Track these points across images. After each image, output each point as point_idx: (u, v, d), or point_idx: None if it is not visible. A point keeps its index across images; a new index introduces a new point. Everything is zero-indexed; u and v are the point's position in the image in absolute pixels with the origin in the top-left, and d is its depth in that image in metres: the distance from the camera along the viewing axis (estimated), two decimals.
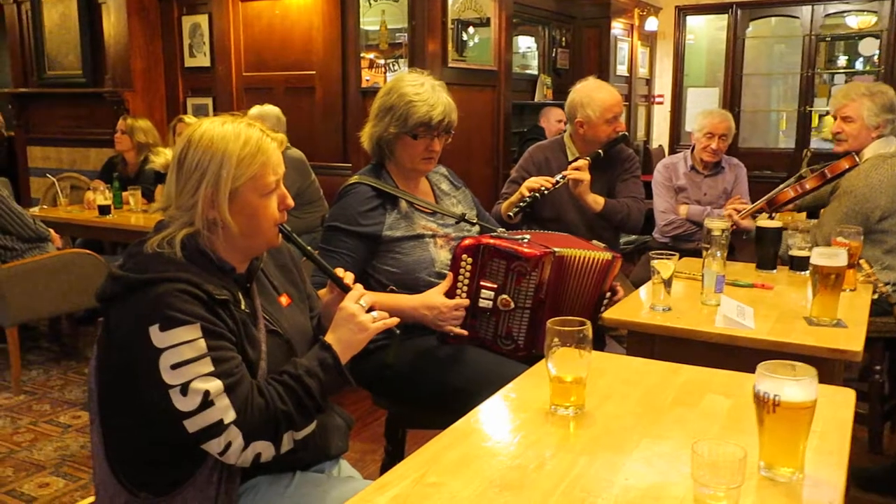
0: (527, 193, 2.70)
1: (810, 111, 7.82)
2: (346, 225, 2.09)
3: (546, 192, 2.68)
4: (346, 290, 1.55)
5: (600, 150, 2.94)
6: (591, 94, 2.98)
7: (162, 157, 4.50)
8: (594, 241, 2.29)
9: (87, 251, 3.91)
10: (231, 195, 1.38)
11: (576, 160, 2.96)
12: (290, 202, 1.48)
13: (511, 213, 2.67)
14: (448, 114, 2.11)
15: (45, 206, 4.90)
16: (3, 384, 3.80)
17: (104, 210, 4.34)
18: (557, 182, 2.74)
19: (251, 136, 1.41)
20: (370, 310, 1.50)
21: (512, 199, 2.81)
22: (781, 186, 3.01)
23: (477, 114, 5.29)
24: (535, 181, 2.74)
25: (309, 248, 1.61)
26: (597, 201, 2.90)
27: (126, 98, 5.89)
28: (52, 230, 4.04)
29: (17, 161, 6.72)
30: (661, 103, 8.85)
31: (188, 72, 6.08)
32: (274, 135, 1.45)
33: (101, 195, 4.38)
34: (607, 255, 2.14)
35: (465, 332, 1.99)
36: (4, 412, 3.47)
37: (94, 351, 1.46)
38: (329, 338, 1.48)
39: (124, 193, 4.55)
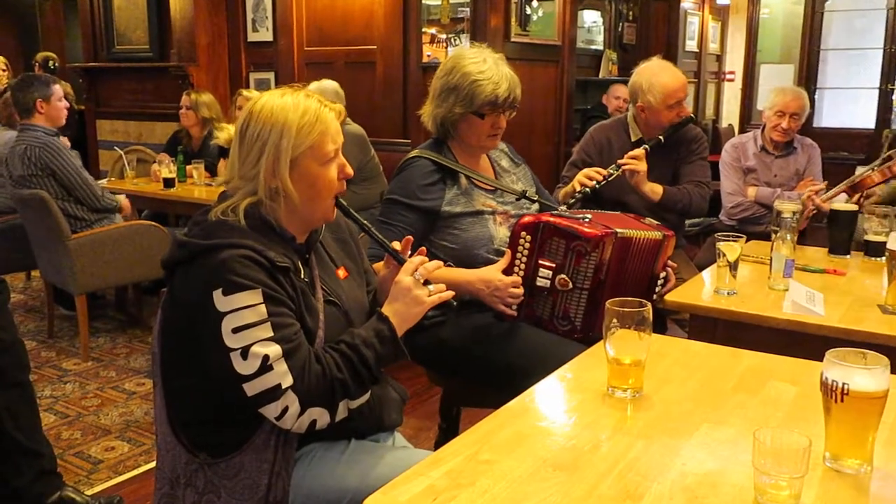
0: (578, 188, 2.65)
1: (892, 90, 7.49)
2: (405, 198, 2.10)
3: (598, 186, 2.62)
4: (402, 262, 1.57)
5: (661, 137, 2.86)
6: (653, 78, 2.88)
7: (225, 132, 4.60)
8: (647, 219, 2.25)
9: (153, 223, 4.03)
10: (291, 164, 1.42)
11: (639, 142, 2.90)
12: (350, 171, 1.51)
13: (566, 206, 2.62)
14: (513, 89, 2.10)
15: (112, 179, 5.06)
16: (73, 350, 3.97)
17: (169, 183, 4.46)
18: (610, 174, 2.66)
19: (309, 106, 1.44)
20: (426, 283, 1.51)
21: (567, 188, 2.77)
22: (865, 170, 2.90)
23: (539, 90, 5.24)
24: (586, 174, 2.68)
25: (365, 220, 1.63)
26: (654, 191, 2.81)
27: (190, 72, 6.01)
28: (122, 197, 4.17)
29: (86, 134, 6.94)
30: (731, 80, 8.61)
31: (251, 46, 6.17)
32: (332, 105, 1.48)
33: (166, 168, 4.50)
34: (658, 235, 2.10)
35: (513, 314, 1.99)
36: (74, 377, 3.62)
37: (158, 316, 1.51)
38: (386, 310, 1.50)
39: (188, 167, 4.66)
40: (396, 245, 1.62)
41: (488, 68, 2.08)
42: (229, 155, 1.50)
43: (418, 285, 1.50)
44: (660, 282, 2.17)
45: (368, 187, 4.32)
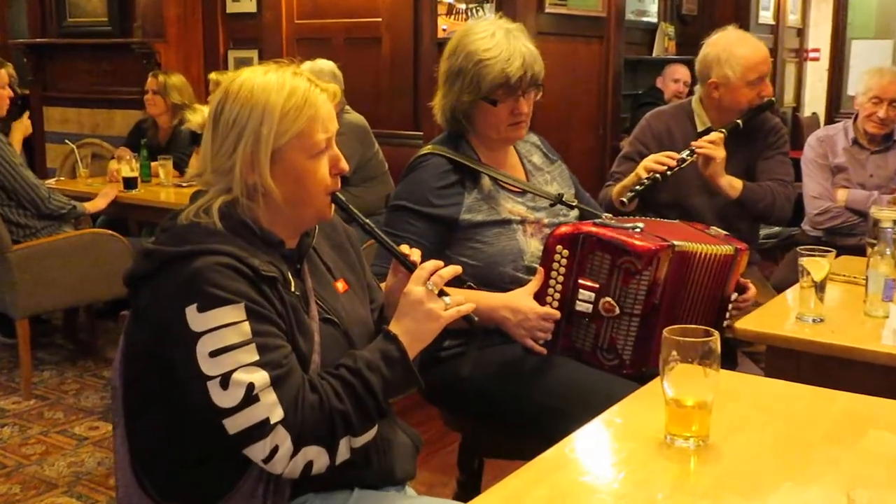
0: (644, 175, 2.64)
1: None
2: (416, 205, 2.10)
3: (669, 172, 2.62)
4: (411, 269, 1.57)
5: (739, 121, 2.86)
6: (732, 48, 2.90)
7: (199, 114, 4.63)
8: (712, 229, 2.25)
9: (110, 231, 4.06)
10: (273, 156, 1.43)
11: (707, 132, 2.89)
12: (344, 166, 1.52)
13: (625, 199, 2.61)
14: (529, 66, 2.09)
15: (61, 178, 5.10)
16: (12, 386, 3.99)
17: (130, 183, 4.48)
18: (683, 160, 2.67)
19: (297, 86, 1.45)
20: (441, 294, 1.51)
21: (625, 181, 2.76)
22: None
23: (579, 71, 5.24)
24: (654, 160, 2.68)
25: (369, 221, 1.64)
26: (733, 185, 2.81)
27: (157, 50, 6.07)
28: (88, 204, 4.18)
29: (32, 124, 7.01)
30: (816, 59, 8.58)
31: (230, 19, 6.23)
32: (325, 85, 1.49)
33: (126, 165, 4.52)
34: (728, 249, 2.09)
35: (542, 350, 2.00)
36: (13, 419, 3.65)
37: (120, 343, 1.52)
38: (394, 327, 1.50)
39: (153, 164, 4.69)
40: (405, 249, 1.63)
41: (496, 44, 2.08)
42: (201, 143, 1.51)
43: (432, 297, 1.50)
44: (731, 305, 2.16)
45: (370, 189, 4.34)
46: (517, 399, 2.03)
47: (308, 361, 1.44)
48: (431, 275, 1.52)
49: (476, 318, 1.60)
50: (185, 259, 1.36)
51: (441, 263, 1.56)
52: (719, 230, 2.24)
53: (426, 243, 2.08)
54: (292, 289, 1.46)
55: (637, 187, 2.60)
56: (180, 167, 4.70)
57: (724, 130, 2.80)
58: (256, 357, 1.33)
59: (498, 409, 2.08)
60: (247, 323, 1.34)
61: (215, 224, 1.41)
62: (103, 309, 4.57)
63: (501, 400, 2.05)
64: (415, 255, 1.62)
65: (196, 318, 1.32)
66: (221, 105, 1.46)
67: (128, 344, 1.49)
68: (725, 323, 2.14)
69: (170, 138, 4.97)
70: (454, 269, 1.56)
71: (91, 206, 4.21)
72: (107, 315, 4.60)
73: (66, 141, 5.38)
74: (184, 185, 4.48)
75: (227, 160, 1.44)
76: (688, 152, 2.71)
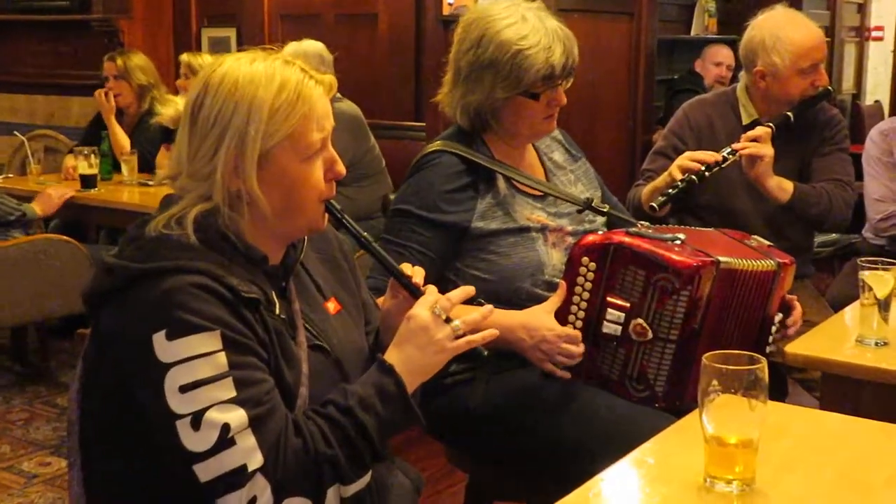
0: (679, 176, 2.64)
1: None
2: (423, 210, 2.11)
3: (708, 173, 2.61)
4: (416, 293, 1.57)
5: (790, 114, 2.86)
6: (780, 31, 2.90)
7: (171, 106, 4.62)
8: (753, 238, 2.24)
9: (65, 237, 4.06)
10: (261, 159, 1.43)
11: (753, 125, 2.89)
12: (341, 169, 1.52)
13: (655, 204, 2.61)
14: (570, 50, 2.11)
15: (10, 175, 5.12)
16: None
17: (88, 182, 4.50)
18: (725, 159, 2.66)
19: (289, 78, 1.45)
20: (448, 320, 1.51)
21: (657, 182, 2.76)
22: None
23: (606, 54, 5.24)
24: (691, 157, 2.67)
25: (366, 234, 1.64)
26: (782, 188, 2.81)
27: (121, 28, 6.10)
28: (35, 206, 4.18)
29: None
30: (879, 39, 8.59)
31: None
32: (320, 76, 1.50)
33: (84, 161, 4.53)
34: (770, 264, 2.09)
35: (565, 375, 2.00)
36: None
37: (77, 369, 1.52)
38: (391, 357, 1.50)
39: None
40: (407, 268, 1.63)
41: (532, 29, 2.08)
42: (175, 142, 1.51)
43: (439, 323, 1.50)
44: (774, 327, 2.16)
45: (365, 190, 4.34)
46: (533, 433, 2.03)
47: (295, 395, 1.44)
48: (439, 299, 1.52)
49: (486, 352, 1.59)
50: (153, 278, 1.36)
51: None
52: (762, 240, 2.24)
53: (433, 254, 2.09)
54: (277, 312, 1.46)
55: (670, 191, 2.59)
56: (147, 163, 4.69)
57: (771, 125, 2.80)
58: (233, 393, 1.33)
59: (510, 445, 2.08)
60: (223, 353, 1.34)
61: (188, 237, 1.41)
62: (57, 326, 4.57)
63: (515, 434, 2.05)
64: (417, 274, 1.62)
65: (165, 347, 1.32)
66: (201, 99, 1.45)
67: (86, 371, 1.50)
68: (768, 349, 2.14)
69: (135, 127, 4.93)
70: (465, 291, 1.56)
71: (41, 209, 4.21)
72: (61, 333, 4.60)
73: (16, 132, 5.39)
74: (150, 183, 4.49)
75: (208, 164, 1.43)
76: (729, 151, 2.70)
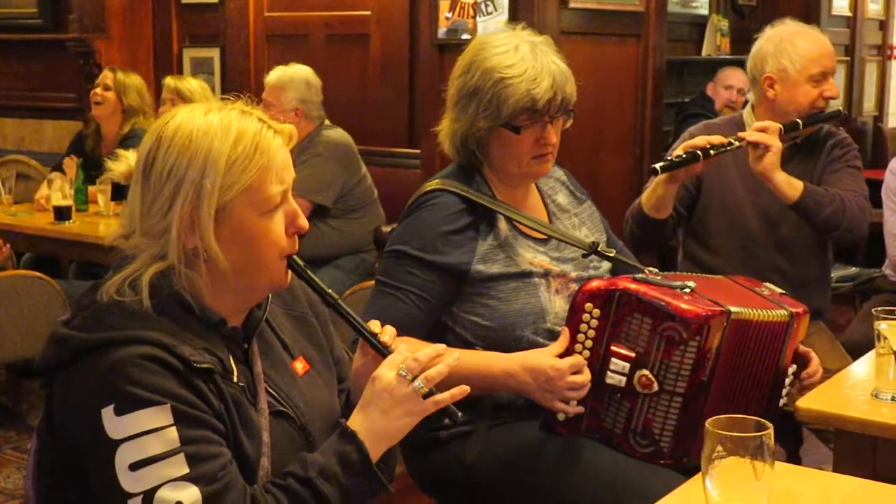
0: (681, 152, 2.66)
1: None
2: (421, 252, 2.12)
3: (713, 151, 2.62)
4: (383, 352, 1.57)
5: (799, 120, 2.89)
6: (790, 38, 2.98)
7: (123, 162, 4.43)
8: (765, 286, 2.26)
9: (37, 273, 4.06)
10: (218, 213, 1.45)
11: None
12: (303, 223, 1.54)
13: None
14: (560, 87, 2.12)
15: None
16: None
17: (62, 213, 4.47)
18: (731, 143, 2.67)
19: (245, 129, 1.47)
20: (415, 379, 1.50)
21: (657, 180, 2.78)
22: None
23: (611, 77, 5.25)
24: (696, 141, 2.67)
25: (330, 290, 1.63)
26: (791, 185, 2.82)
27: (98, 48, 6.10)
28: None
29: None
30: None
31: (186, 11, 6.27)
32: (279, 126, 1.52)
33: (58, 191, 4.52)
34: (783, 314, 2.10)
35: (580, 410, 1.99)
36: None
37: (33, 443, 1.54)
38: (355, 422, 1.51)
39: (91, 188, 4.69)
40: (375, 325, 1.63)
41: (521, 59, 2.11)
42: (128, 199, 1.52)
43: (404, 384, 1.50)
44: (788, 380, 2.17)
45: (356, 222, 4.33)
46: (533, 492, 2.04)
47: (256, 467, 1.45)
48: (407, 358, 1.51)
49: (460, 415, 1.58)
50: (101, 350, 1.37)
51: (427, 345, 1.56)
52: (774, 288, 2.26)
53: (430, 298, 2.10)
54: (235, 379, 1.47)
55: (673, 159, 2.61)
56: (121, 192, 4.66)
57: (781, 126, 2.81)
58: (186, 470, 1.34)
59: (509, 502, 2.09)
60: (174, 428, 1.35)
61: (143, 302, 1.42)
62: (28, 367, 4.57)
63: (513, 492, 2.06)
64: (387, 333, 1.62)
65: (113, 423, 1.34)
66: (153, 153, 1.46)
67: (40, 449, 1.51)
68: (782, 402, 2.15)
69: (113, 152, 4.89)
70: (436, 350, 1.55)
71: None
72: (33, 374, 4.58)
73: None
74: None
75: (162, 220, 1.44)
76: (735, 138, 2.72)
